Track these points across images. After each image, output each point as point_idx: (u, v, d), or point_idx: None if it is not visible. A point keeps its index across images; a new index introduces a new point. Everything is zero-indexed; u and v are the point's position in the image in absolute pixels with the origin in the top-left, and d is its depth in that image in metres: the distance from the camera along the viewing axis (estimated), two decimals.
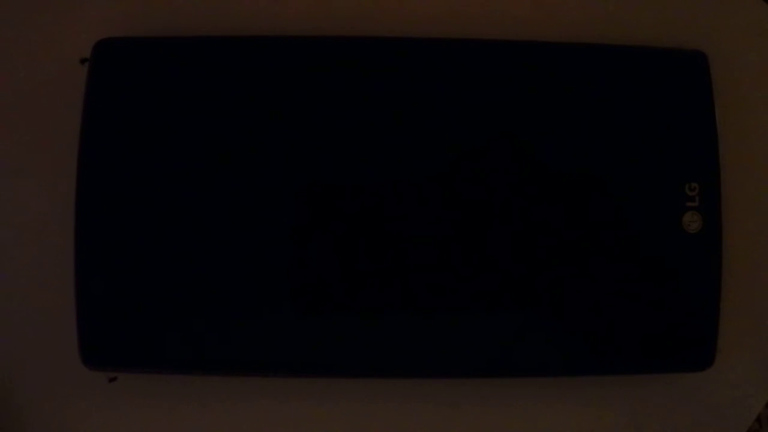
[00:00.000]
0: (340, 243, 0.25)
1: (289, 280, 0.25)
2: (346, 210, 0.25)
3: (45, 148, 0.27)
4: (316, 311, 0.25)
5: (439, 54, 0.26)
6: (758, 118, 0.27)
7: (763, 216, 0.27)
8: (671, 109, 0.26)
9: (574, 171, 0.26)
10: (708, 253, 0.26)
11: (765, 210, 0.27)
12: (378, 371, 0.26)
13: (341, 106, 0.26)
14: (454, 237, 0.25)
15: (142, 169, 0.25)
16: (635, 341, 0.26)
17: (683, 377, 0.27)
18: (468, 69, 0.26)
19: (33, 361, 0.27)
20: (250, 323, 0.25)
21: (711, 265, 0.26)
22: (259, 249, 0.25)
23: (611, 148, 0.26)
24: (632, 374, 0.27)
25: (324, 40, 0.26)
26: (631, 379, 0.27)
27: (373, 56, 0.26)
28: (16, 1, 0.27)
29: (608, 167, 0.26)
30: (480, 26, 0.27)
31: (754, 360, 0.27)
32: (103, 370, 0.26)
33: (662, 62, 0.26)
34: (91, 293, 0.25)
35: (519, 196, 0.26)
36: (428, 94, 0.26)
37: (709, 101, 0.26)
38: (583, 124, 0.26)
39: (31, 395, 0.27)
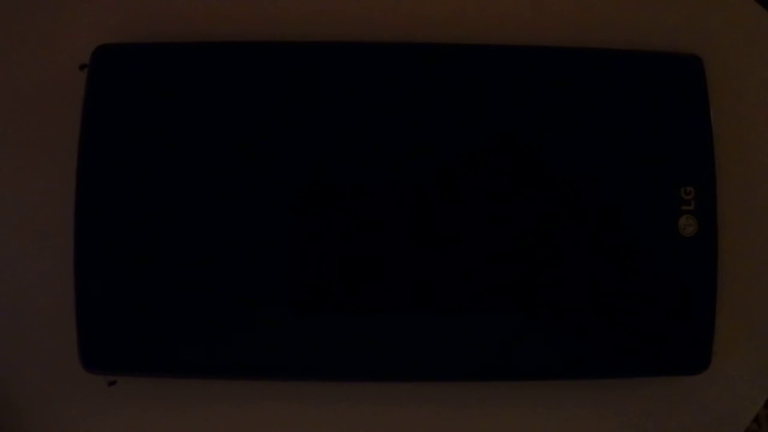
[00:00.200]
0: (339, 245, 0.25)
1: (289, 283, 0.25)
2: (346, 211, 0.25)
3: (45, 153, 0.27)
4: (315, 314, 0.25)
5: (438, 58, 0.26)
6: (754, 122, 0.28)
7: (758, 219, 0.27)
8: (667, 112, 0.26)
9: (570, 174, 0.26)
10: (703, 256, 0.26)
11: (760, 213, 0.27)
12: (377, 374, 0.26)
13: (341, 109, 0.26)
14: (453, 239, 0.25)
15: (141, 173, 0.25)
16: (632, 344, 0.26)
17: (680, 380, 0.27)
18: (466, 73, 0.26)
19: (32, 365, 0.27)
20: (250, 326, 0.25)
21: (706, 269, 0.26)
22: (258, 251, 0.25)
23: (608, 152, 0.26)
24: (629, 377, 0.27)
25: (324, 45, 0.26)
26: (628, 382, 0.27)
27: (373, 61, 0.26)
28: (15, 7, 0.27)
29: (605, 170, 0.26)
30: (478, 31, 0.27)
31: (750, 362, 0.27)
32: (102, 374, 0.26)
33: (658, 66, 0.26)
34: (91, 296, 0.25)
35: (516, 199, 0.26)
36: (427, 98, 0.26)
37: (705, 105, 0.26)
38: (580, 128, 0.26)
39: (30, 398, 0.27)
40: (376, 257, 0.25)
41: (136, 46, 0.26)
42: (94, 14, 0.27)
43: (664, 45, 0.27)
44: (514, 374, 0.26)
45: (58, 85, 0.27)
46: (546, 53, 0.26)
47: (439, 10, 0.28)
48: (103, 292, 0.25)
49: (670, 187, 0.26)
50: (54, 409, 0.27)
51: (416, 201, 0.26)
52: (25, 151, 0.27)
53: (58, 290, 0.26)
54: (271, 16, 0.27)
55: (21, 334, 0.27)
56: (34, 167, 0.27)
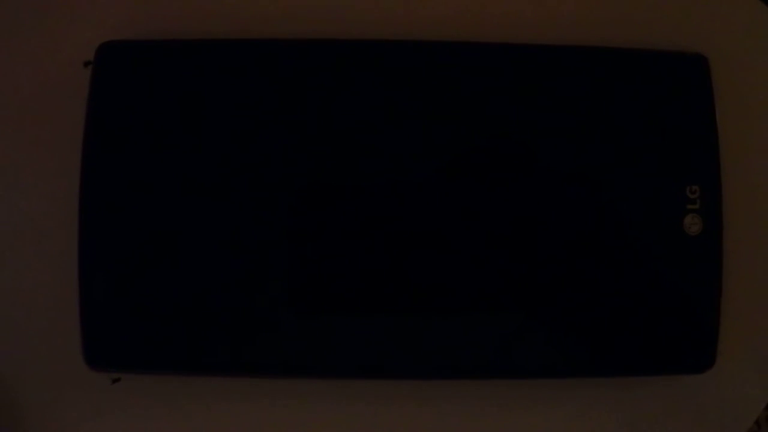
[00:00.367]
0: (339, 244, 0.25)
1: (289, 282, 0.25)
2: (346, 211, 0.25)
3: (48, 150, 0.27)
4: (316, 312, 0.25)
5: (440, 57, 0.26)
6: (759, 121, 0.28)
7: (763, 218, 0.27)
8: (672, 111, 0.26)
9: (575, 173, 0.26)
10: (708, 255, 0.26)
11: (765, 212, 0.27)
12: (378, 372, 0.26)
13: (342, 108, 0.26)
14: (453, 239, 0.25)
15: (144, 171, 0.25)
16: (636, 343, 0.26)
17: (684, 379, 0.27)
18: (469, 72, 0.26)
19: (36, 362, 0.27)
20: (253, 324, 0.25)
21: (711, 268, 0.26)
22: (261, 250, 0.25)
23: (613, 151, 0.26)
24: (633, 376, 0.27)
25: (326, 43, 0.26)
26: (632, 381, 0.27)
27: (375, 59, 0.26)
28: (19, 5, 0.27)
29: (610, 169, 0.26)
30: (480, 29, 0.27)
31: (754, 362, 0.27)
32: (106, 371, 0.26)
33: (663, 65, 0.26)
34: (94, 294, 0.25)
35: (519, 198, 0.26)
36: (429, 97, 0.26)
37: (710, 104, 0.26)
38: (585, 127, 0.26)
39: (34, 396, 0.27)
40: (377, 257, 0.25)
41: (141, 43, 0.26)
42: (99, 11, 0.27)
43: (669, 44, 0.27)
44: (516, 372, 0.26)
45: (62, 83, 0.27)
46: (550, 52, 0.26)
47: (442, 7, 0.28)
48: (107, 289, 0.25)
49: (675, 186, 0.26)
50: (57, 407, 0.27)
51: (418, 200, 0.25)
52: (29, 148, 0.27)
53: (62, 288, 0.26)
54: (275, 13, 0.27)
55: (24, 332, 0.27)
56: (37, 165, 0.27)
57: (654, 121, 0.26)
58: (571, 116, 0.26)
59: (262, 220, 0.25)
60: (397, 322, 0.25)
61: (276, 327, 0.25)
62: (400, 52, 0.26)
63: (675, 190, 0.26)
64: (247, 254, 0.25)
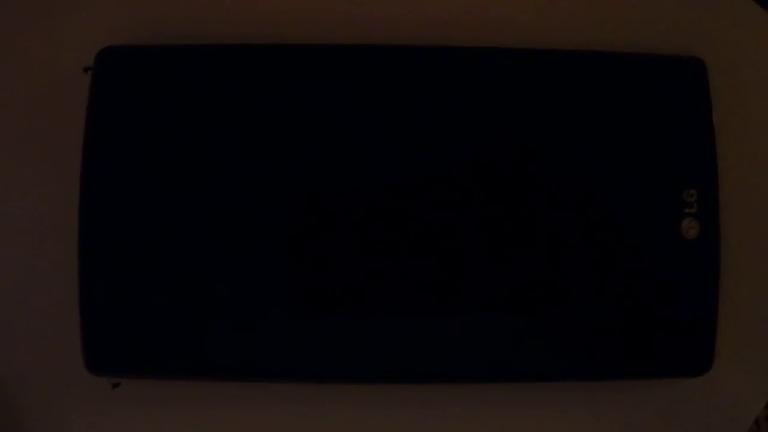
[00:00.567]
0: (339, 247, 0.25)
1: (290, 288, 0.25)
2: (346, 215, 0.26)
3: (49, 155, 0.27)
4: (317, 317, 0.26)
5: (440, 61, 0.26)
6: (756, 125, 0.28)
7: (760, 222, 0.27)
8: (669, 115, 0.26)
9: (574, 177, 0.26)
10: (706, 258, 0.26)
11: (762, 216, 0.27)
12: (378, 377, 0.26)
13: (342, 112, 0.26)
14: (453, 243, 0.25)
15: (144, 175, 0.26)
16: (634, 346, 0.26)
17: (681, 382, 0.27)
18: (469, 76, 0.26)
19: (37, 367, 0.27)
20: (253, 329, 0.25)
21: (709, 271, 0.26)
22: (261, 257, 0.25)
23: (610, 155, 0.26)
24: (631, 379, 0.27)
25: (327, 48, 0.26)
26: (630, 384, 0.27)
27: (377, 64, 0.26)
28: (19, 10, 0.27)
29: (607, 173, 0.26)
30: (481, 34, 0.27)
31: (751, 364, 0.27)
32: (106, 376, 0.26)
33: (660, 69, 0.26)
34: (95, 299, 0.25)
35: (518, 202, 0.26)
36: (429, 101, 0.26)
37: (707, 108, 0.26)
38: (582, 131, 0.26)
39: (35, 400, 0.27)
40: (376, 260, 0.25)
41: (140, 48, 0.26)
42: (98, 17, 0.27)
43: (666, 48, 0.27)
44: (516, 376, 0.26)
45: (62, 88, 0.27)
46: (549, 56, 0.26)
47: (443, 13, 0.28)
48: (107, 294, 0.25)
49: (673, 189, 0.26)
50: (58, 412, 0.27)
51: (418, 203, 0.26)
52: (29, 153, 0.27)
53: (62, 292, 0.26)
54: (275, 19, 0.27)
55: (25, 337, 0.27)
56: (38, 169, 0.27)
57: (651, 125, 0.26)
58: (569, 120, 0.26)
59: (262, 225, 0.25)
60: (397, 325, 0.26)
61: (276, 332, 0.25)
62: (403, 57, 0.26)
63: (672, 194, 0.26)
64: (248, 260, 0.25)
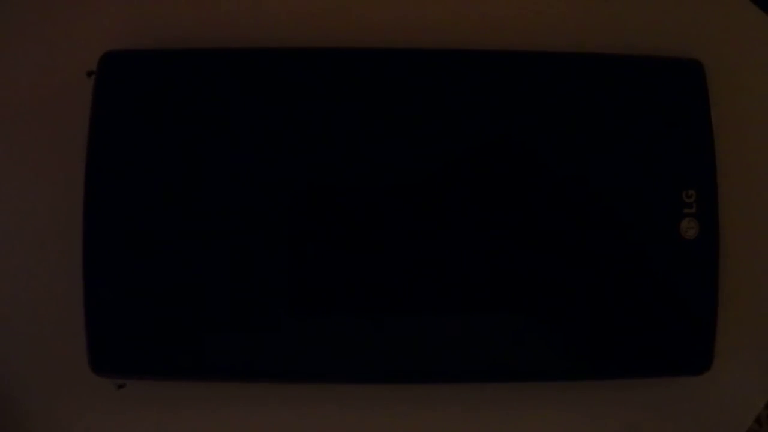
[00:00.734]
0: (339, 247, 0.26)
1: (291, 289, 0.26)
2: (345, 214, 0.26)
3: (52, 159, 0.27)
4: (317, 319, 0.26)
5: (439, 64, 0.26)
6: (754, 125, 0.28)
7: (759, 222, 0.27)
8: (668, 116, 0.26)
9: (573, 178, 0.26)
10: (705, 258, 0.26)
11: (761, 216, 0.28)
12: (377, 377, 0.26)
13: (341, 115, 0.26)
14: (453, 241, 0.26)
15: (148, 178, 0.26)
16: (633, 346, 0.26)
17: (681, 381, 0.27)
18: (467, 78, 0.26)
19: (42, 368, 0.27)
20: (257, 330, 0.26)
21: (708, 271, 0.26)
22: (264, 258, 0.26)
23: (610, 156, 0.26)
24: (630, 378, 0.27)
25: (327, 51, 0.26)
26: (630, 384, 0.27)
27: (374, 67, 0.26)
28: (23, 14, 0.28)
29: (607, 174, 0.26)
30: (478, 36, 0.27)
31: (751, 363, 0.27)
32: (111, 377, 0.26)
33: (659, 71, 0.27)
34: (100, 300, 0.25)
35: (517, 202, 0.26)
36: (429, 104, 0.26)
37: (706, 109, 0.26)
38: (582, 132, 0.26)
39: (39, 402, 0.27)
40: (375, 260, 0.26)
41: (143, 52, 0.26)
42: (101, 21, 0.28)
43: (665, 49, 0.27)
44: (516, 376, 0.26)
45: (65, 92, 0.27)
46: (547, 58, 0.27)
47: (441, 15, 0.28)
48: (112, 295, 0.25)
49: (672, 190, 0.26)
50: (63, 413, 0.27)
51: (418, 204, 0.26)
52: (33, 157, 0.27)
53: (67, 294, 0.26)
54: (277, 23, 0.28)
55: (30, 338, 0.27)
56: (42, 173, 0.27)
57: (650, 126, 0.26)
58: (568, 122, 0.26)
59: (263, 227, 0.26)
60: (398, 326, 0.26)
61: (279, 333, 0.26)
62: (400, 60, 0.26)
63: (671, 194, 0.26)
64: (251, 261, 0.26)
